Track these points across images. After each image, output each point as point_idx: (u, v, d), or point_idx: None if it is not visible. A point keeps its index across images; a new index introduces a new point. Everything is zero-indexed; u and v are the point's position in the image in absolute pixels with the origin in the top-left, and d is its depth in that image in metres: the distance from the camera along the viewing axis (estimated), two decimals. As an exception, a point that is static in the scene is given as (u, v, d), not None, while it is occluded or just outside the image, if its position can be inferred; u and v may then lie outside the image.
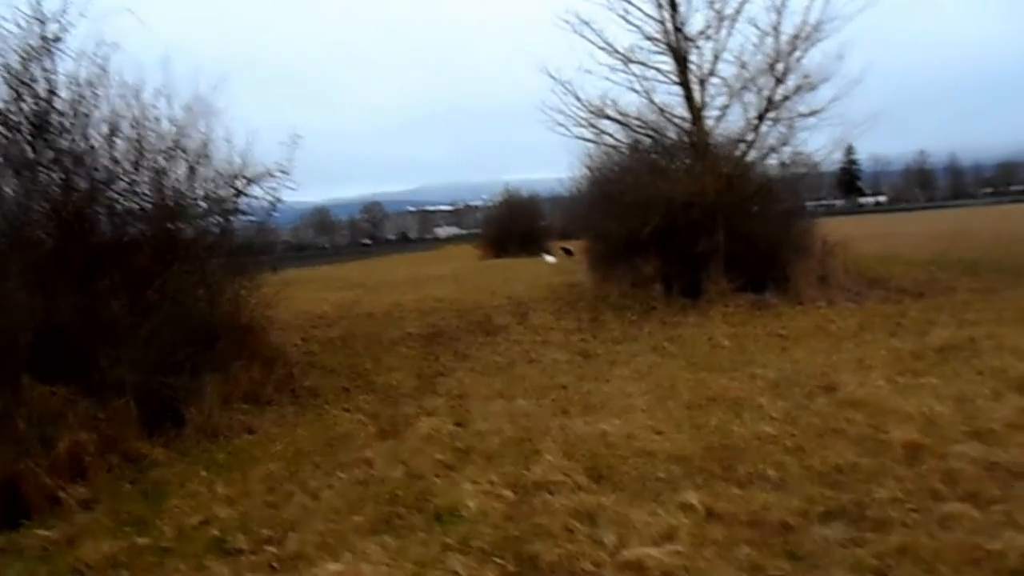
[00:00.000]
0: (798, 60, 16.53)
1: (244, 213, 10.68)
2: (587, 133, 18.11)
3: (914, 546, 4.25)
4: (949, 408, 6.88)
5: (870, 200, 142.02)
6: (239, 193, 10.36)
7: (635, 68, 17.07)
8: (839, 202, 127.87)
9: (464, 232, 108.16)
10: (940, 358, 9.02)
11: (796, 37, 16.39)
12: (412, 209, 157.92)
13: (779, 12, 16.33)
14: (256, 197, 10.55)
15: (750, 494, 5.22)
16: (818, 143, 18.08)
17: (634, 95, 17.40)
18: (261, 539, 5.18)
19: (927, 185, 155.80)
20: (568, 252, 24.00)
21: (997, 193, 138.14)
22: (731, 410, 7.42)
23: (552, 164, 59.05)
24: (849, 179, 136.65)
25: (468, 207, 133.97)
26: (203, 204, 10.13)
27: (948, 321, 11.60)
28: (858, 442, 6.17)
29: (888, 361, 9.05)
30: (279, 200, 10.74)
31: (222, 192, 10.24)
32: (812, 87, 16.53)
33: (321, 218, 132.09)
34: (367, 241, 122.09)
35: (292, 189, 10.68)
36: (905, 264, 21.71)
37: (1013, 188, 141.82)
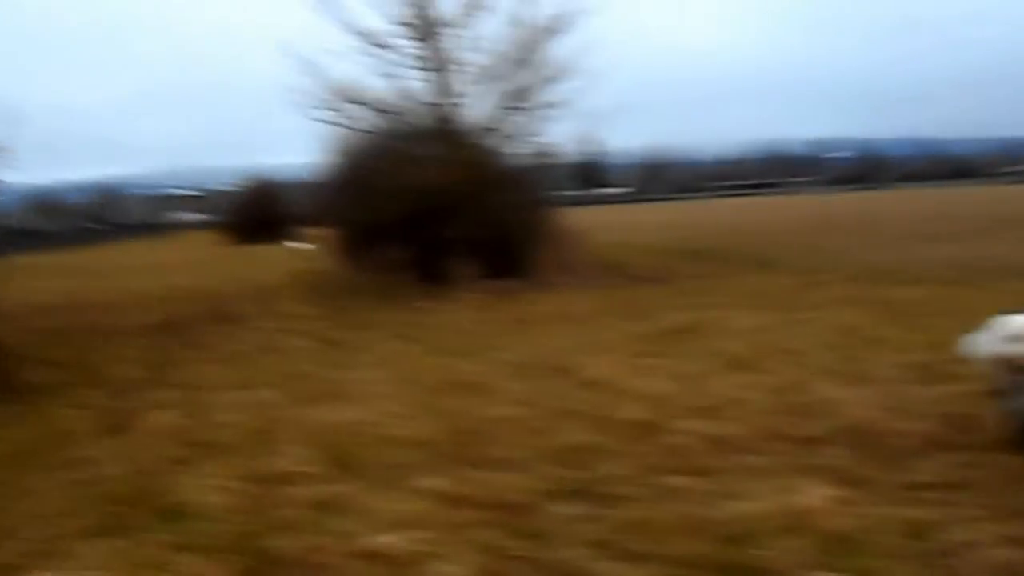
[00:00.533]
0: (545, 51, 17.04)
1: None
2: (334, 117, 17.69)
3: (643, 518, 4.36)
4: (677, 387, 7.22)
5: (613, 191, 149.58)
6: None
7: (383, 52, 16.88)
8: (584, 192, 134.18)
9: (208, 218, 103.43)
10: (670, 340, 9.54)
11: (544, 28, 16.84)
12: (152, 193, 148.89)
13: (528, 2, 16.70)
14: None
15: (492, 476, 5.17)
16: (563, 133, 18.74)
17: (383, 79, 17.23)
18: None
19: (663, 177, 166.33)
20: (309, 243, 23.18)
21: (724, 187, 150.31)
22: (474, 394, 7.39)
23: (300, 149, 57.26)
24: (593, 170, 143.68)
25: (212, 192, 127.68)
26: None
27: (677, 305, 12.36)
28: (593, 422, 6.31)
29: (622, 343, 9.44)
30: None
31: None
32: (558, 78, 17.11)
33: (49, 201, 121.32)
34: (102, 227, 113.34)
35: (14, 169, 9.55)
36: (640, 252, 23.05)
37: (738, 183, 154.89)
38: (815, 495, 4.44)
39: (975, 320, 5.48)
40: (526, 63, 17.12)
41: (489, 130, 17.56)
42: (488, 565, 3.93)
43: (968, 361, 5.44)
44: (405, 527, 4.40)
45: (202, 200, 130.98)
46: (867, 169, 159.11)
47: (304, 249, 22.43)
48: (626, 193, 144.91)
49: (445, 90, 17.15)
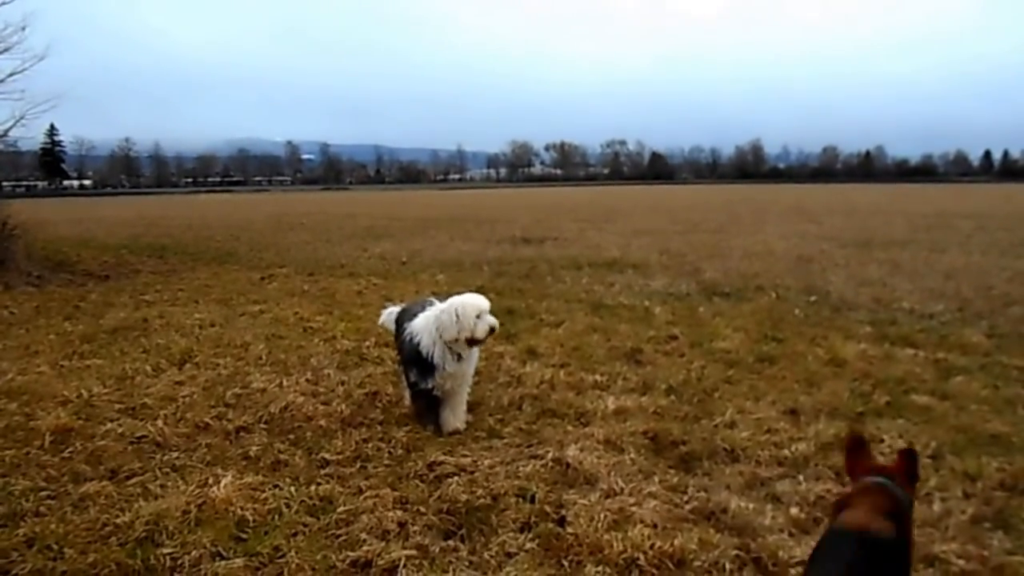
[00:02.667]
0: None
1: None
2: None
3: (43, 534, 4.15)
4: (109, 387, 6.98)
5: (75, 183, 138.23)
6: None
7: None
8: (42, 183, 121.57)
9: None
10: (111, 339, 9.12)
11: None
12: None
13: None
14: None
15: None
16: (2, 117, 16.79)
17: None
18: None
19: (133, 172, 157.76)
20: None
21: (197, 183, 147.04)
22: None
23: None
24: (52, 160, 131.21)
25: None
26: None
27: (127, 302, 11.88)
28: (5, 434, 5.81)
29: (57, 345, 8.80)
30: None
31: None
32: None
33: None
34: None
35: None
36: (97, 248, 21.62)
37: (211, 179, 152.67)
38: (229, 485, 4.62)
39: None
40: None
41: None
42: None
43: (386, 345, 6.14)
44: None
45: None
46: (331, 170, 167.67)
47: None
48: (90, 186, 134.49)
49: None
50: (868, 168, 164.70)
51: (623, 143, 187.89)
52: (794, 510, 4.39)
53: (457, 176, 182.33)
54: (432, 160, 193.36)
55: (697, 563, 3.84)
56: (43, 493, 4.75)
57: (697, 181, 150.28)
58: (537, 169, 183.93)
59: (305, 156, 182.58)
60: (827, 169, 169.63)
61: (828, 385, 6.81)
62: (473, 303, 5.52)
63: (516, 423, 5.93)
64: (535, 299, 11.38)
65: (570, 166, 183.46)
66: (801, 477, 4.88)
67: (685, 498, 4.58)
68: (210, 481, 4.77)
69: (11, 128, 16.00)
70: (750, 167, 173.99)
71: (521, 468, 5.00)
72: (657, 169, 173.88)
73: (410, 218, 34.61)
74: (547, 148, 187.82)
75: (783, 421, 5.91)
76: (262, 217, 38.18)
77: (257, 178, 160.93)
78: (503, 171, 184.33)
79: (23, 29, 15.20)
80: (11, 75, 15.44)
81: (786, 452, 5.26)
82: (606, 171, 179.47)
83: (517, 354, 8.04)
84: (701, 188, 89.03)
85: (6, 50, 15.45)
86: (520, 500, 4.52)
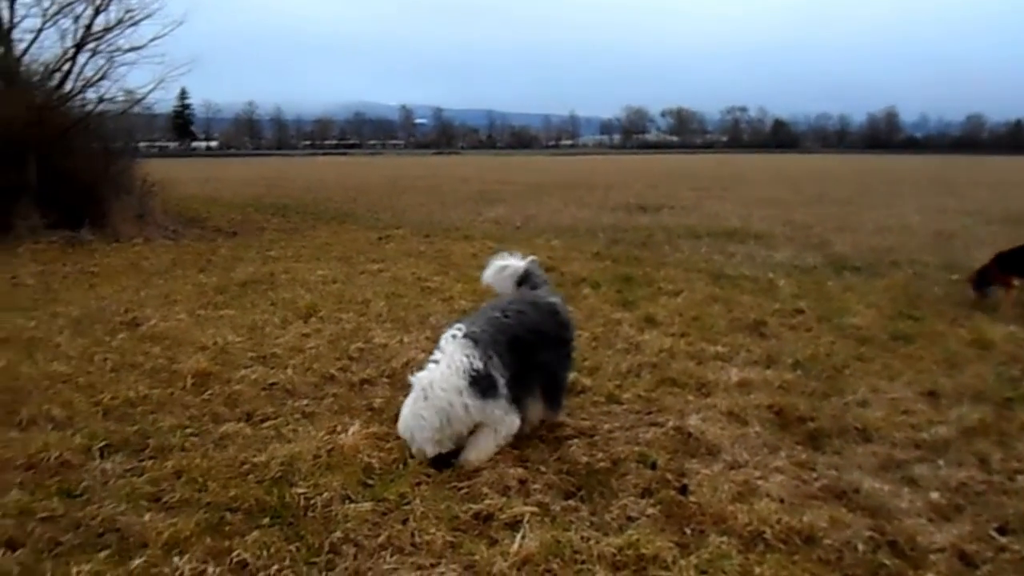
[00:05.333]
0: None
1: None
2: None
3: (188, 467, 4.40)
4: (242, 336, 7.33)
5: (202, 144, 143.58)
6: None
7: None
8: (172, 144, 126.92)
9: None
10: (241, 291, 9.56)
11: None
12: None
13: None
14: None
15: (30, 436, 4.87)
16: (142, 80, 17.55)
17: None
18: None
19: (255, 134, 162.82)
20: None
21: (314, 145, 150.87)
22: (24, 351, 6.84)
23: None
24: (182, 123, 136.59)
25: None
26: None
27: (254, 258, 12.38)
28: (152, 374, 6.20)
29: (193, 295, 9.28)
30: None
31: None
32: (134, 21, 15.98)
33: None
34: None
35: None
36: (225, 206, 22.48)
37: (327, 142, 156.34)
38: (357, 433, 4.78)
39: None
40: (100, 2, 15.78)
41: (57, 71, 15.93)
42: (13, 529, 3.73)
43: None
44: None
45: None
46: (444, 135, 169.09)
47: None
48: (216, 148, 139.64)
49: (3, 23, 15.20)
50: (1018, 138, 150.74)
51: (743, 109, 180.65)
52: (934, 495, 4.22)
53: (569, 142, 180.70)
54: (544, 125, 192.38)
55: (827, 541, 3.74)
56: (188, 431, 5.05)
57: (823, 150, 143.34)
58: (652, 135, 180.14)
59: (418, 120, 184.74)
60: (971, 139, 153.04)
61: (971, 368, 6.50)
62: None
63: (635, 390, 5.90)
64: (652, 267, 11.28)
65: (687, 133, 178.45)
66: (941, 462, 4.67)
67: (814, 475, 4.47)
68: (338, 429, 4.95)
69: (152, 90, 16.70)
70: (883, 136, 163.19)
71: (641, 434, 4.99)
72: (779, 137, 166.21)
73: (522, 183, 34.66)
74: (663, 114, 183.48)
75: (921, 403, 5.68)
76: (377, 179, 38.92)
77: (372, 141, 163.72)
78: (616, 137, 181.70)
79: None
80: (153, 39, 16.12)
81: (924, 435, 5.06)
82: (724, 139, 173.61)
83: (635, 321, 7.99)
84: (827, 158, 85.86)
85: (148, 16, 16.11)
86: (640, 466, 4.52)
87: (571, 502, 4.10)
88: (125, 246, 13.85)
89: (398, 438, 4.64)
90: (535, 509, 3.96)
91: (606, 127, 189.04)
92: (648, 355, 6.76)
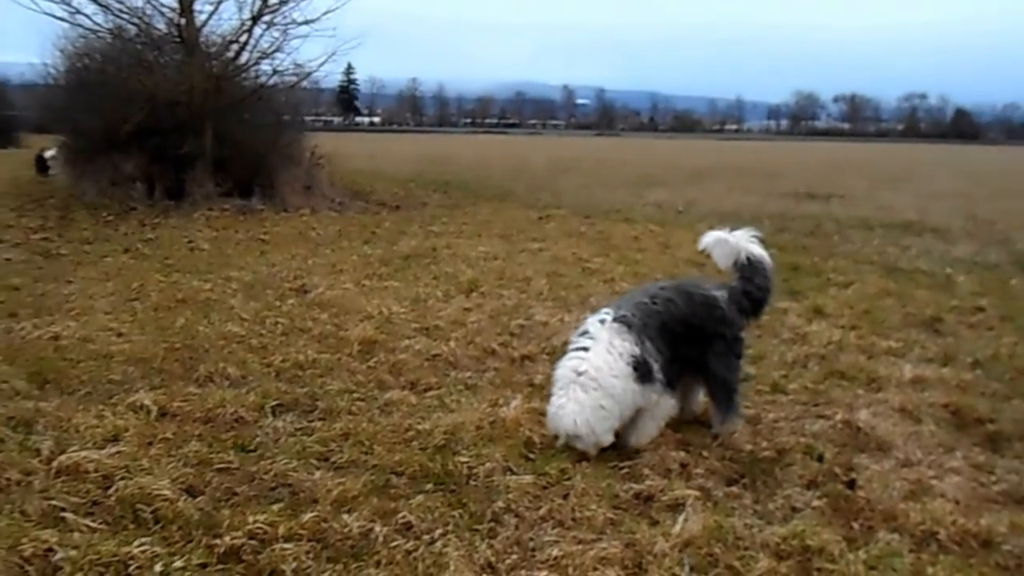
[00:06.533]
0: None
1: None
2: (59, 10, 16.09)
3: (355, 430, 4.56)
4: (405, 308, 7.51)
5: (366, 119, 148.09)
6: None
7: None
8: (337, 119, 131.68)
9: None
10: (404, 264, 9.82)
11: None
12: None
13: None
14: None
15: (207, 392, 5.16)
16: (313, 54, 18.22)
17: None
18: None
19: (417, 110, 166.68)
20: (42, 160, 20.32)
21: (475, 124, 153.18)
22: (200, 312, 7.27)
23: (23, 46, 51.90)
24: (348, 97, 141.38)
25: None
26: None
27: (416, 232, 12.70)
28: (320, 340, 6.45)
29: (359, 266, 9.61)
30: None
31: None
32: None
33: None
34: None
35: None
36: (388, 180, 23.13)
37: (488, 120, 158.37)
38: (519, 407, 4.82)
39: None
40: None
41: (234, 43, 16.79)
42: (192, 477, 3.95)
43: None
44: (108, 443, 4.31)
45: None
46: (605, 116, 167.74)
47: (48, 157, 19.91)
48: (379, 123, 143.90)
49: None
50: None
51: (923, 97, 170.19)
52: None
53: (734, 127, 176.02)
54: (709, 109, 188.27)
55: (1007, 547, 3.51)
56: (354, 395, 5.23)
57: (1010, 142, 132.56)
58: (822, 122, 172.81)
59: (580, 101, 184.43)
60: None
61: None
62: None
63: (801, 381, 5.69)
64: (821, 257, 10.85)
65: (859, 120, 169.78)
66: None
67: (992, 478, 4.20)
68: (500, 402, 5.00)
69: (323, 63, 17.28)
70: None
71: (807, 426, 4.82)
72: (961, 128, 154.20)
73: (684, 167, 34.05)
74: (835, 100, 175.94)
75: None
76: (537, 159, 39.12)
77: (531, 121, 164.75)
78: (784, 123, 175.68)
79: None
80: (326, 13, 16.68)
81: None
82: (900, 127, 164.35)
83: (802, 312, 7.70)
84: (1015, 150, 79.60)
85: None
86: (807, 457, 4.37)
87: (734, 489, 4.00)
88: (293, 216, 14.50)
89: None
90: (697, 493, 3.88)
91: (773, 112, 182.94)
92: (816, 346, 6.51)
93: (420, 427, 4.63)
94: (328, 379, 5.52)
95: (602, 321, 4.37)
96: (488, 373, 5.75)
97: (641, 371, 4.24)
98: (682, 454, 4.34)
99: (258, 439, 4.49)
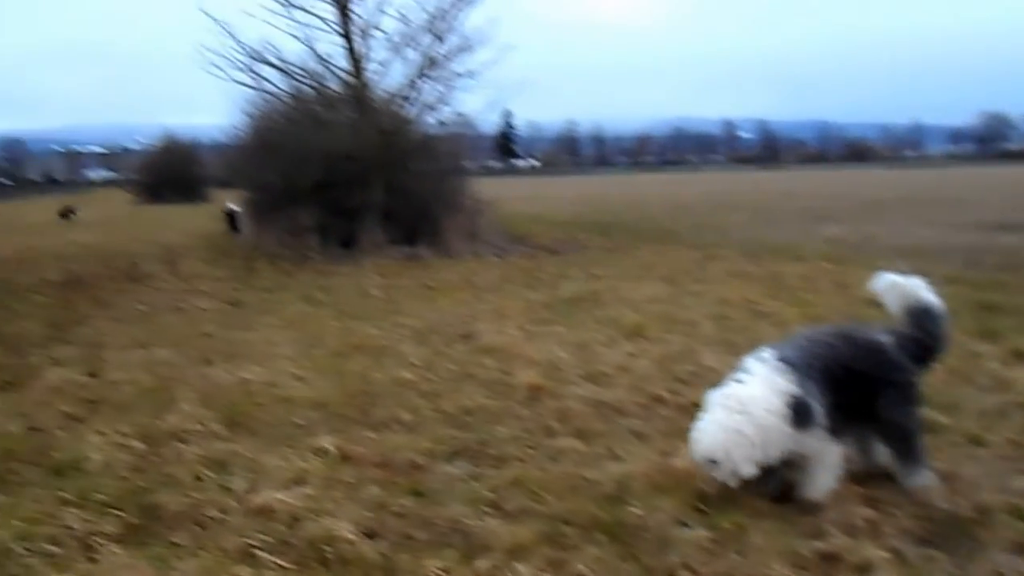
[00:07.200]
0: (457, 20, 17.07)
1: None
2: (246, 78, 17.44)
3: (525, 478, 4.55)
4: (570, 353, 7.47)
5: (524, 163, 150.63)
6: None
7: (297, 14, 16.72)
8: (496, 164, 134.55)
9: (117, 176, 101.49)
10: (567, 308, 9.81)
11: (457, -2, 16.85)
12: (59, 149, 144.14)
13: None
14: None
15: (383, 437, 5.32)
16: (474, 104, 18.77)
17: (297, 42, 17.08)
18: None
19: (574, 152, 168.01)
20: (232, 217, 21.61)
21: (635, 164, 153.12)
22: (374, 357, 7.52)
23: (212, 109, 56.53)
24: (506, 142, 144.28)
25: (122, 150, 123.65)
26: None
27: (578, 275, 12.69)
28: (488, 385, 6.51)
29: (522, 311, 9.67)
30: None
31: None
32: (470, 48, 17.17)
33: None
34: (5, 181, 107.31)
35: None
36: (548, 224, 23.33)
37: (647, 158, 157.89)
38: (689, 458, 4.68)
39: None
40: (440, 31, 17.12)
41: (402, 97, 17.53)
42: (371, 520, 4.05)
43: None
44: (294, 484, 4.52)
45: (114, 157, 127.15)
46: (769, 149, 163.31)
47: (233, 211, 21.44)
48: (538, 166, 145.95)
49: (359, 56, 17.04)
50: None
51: None
52: None
53: (912, 153, 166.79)
54: (882, 136, 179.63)
55: None
56: (523, 442, 5.23)
57: None
58: (1014, 144, 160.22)
59: (741, 134, 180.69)
60: None
61: None
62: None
63: (1003, 432, 5.22)
64: (1021, 294, 10.03)
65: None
66: None
67: None
68: (670, 451, 4.88)
69: (485, 113, 17.80)
70: None
71: (1013, 483, 4.42)
72: None
73: (858, 198, 32.67)
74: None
75: None
76: (698, 196, 38.58)
77: (689, 157, 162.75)
78: (969, 147, 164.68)
79: (495, 23, 16.79)
80: (487, 64, 17.17)
81: None
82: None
83: (1001, 355, 7.07)
84: None
85: (483, 43, 17.21)
86: (1014, 518, 4.00)
87: (929, 551, 3.71)
88: (457, 262, 14.86)
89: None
90: (888, 554, 3.62)
91: (956, 136, 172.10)
92: (1018, 394, 5.96)
93: (589, 475, 4.57)
94: (497, 425, 5.56)
95: (762, 360, 4.20)
96: (656, 421, 5.62)
97: (799, 412, 4.02)
98: (869, 511, 4.07)
99: (431, 485, 4.55)
